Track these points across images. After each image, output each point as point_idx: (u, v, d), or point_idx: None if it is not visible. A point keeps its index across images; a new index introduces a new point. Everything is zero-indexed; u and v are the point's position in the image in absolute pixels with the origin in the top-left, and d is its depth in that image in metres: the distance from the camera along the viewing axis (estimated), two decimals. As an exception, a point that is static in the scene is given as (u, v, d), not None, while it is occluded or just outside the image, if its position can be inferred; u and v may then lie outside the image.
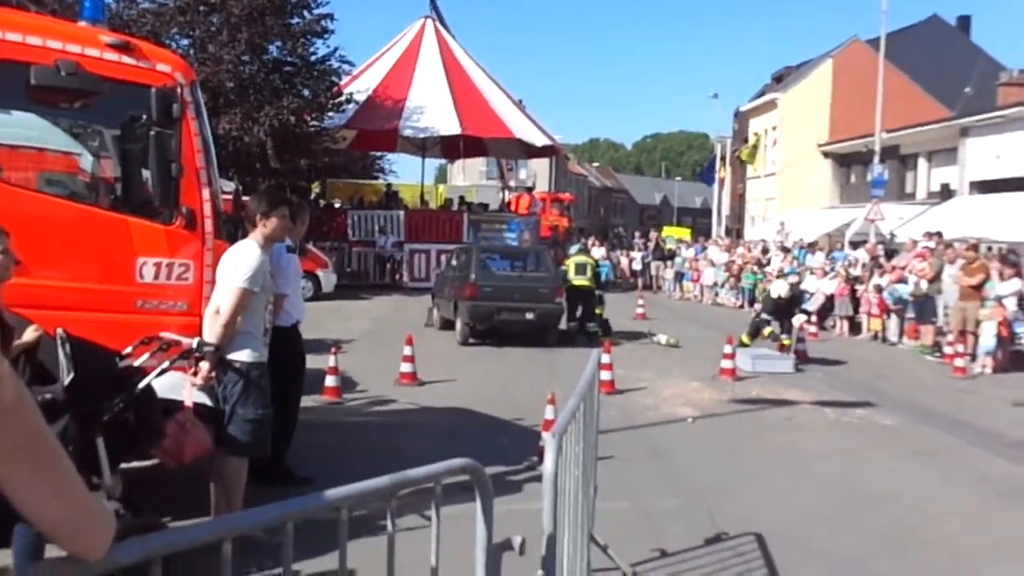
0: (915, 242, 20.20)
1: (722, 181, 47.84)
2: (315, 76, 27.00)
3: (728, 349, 13.10)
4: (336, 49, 27.63)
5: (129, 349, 4.90)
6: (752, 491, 7.37)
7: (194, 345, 4.98)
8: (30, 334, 4.47)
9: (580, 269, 17.61)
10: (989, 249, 20.14)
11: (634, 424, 9.71)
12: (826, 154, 42.75)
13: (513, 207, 34.57)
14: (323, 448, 7.81)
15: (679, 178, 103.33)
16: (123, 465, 4.67)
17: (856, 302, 19.92)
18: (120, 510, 4.24)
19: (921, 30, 47.26)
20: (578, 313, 17.40)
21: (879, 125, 28.74)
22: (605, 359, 10.58)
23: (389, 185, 37.71)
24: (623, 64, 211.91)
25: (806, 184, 42.43)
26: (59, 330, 4.36)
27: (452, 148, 33.69)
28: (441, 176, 68.96)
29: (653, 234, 36.89)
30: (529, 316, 15.83)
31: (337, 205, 31.66)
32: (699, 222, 71.95)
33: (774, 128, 47.04)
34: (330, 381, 10.16)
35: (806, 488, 7.55)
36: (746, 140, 51.28)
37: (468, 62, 32.59)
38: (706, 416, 10.39)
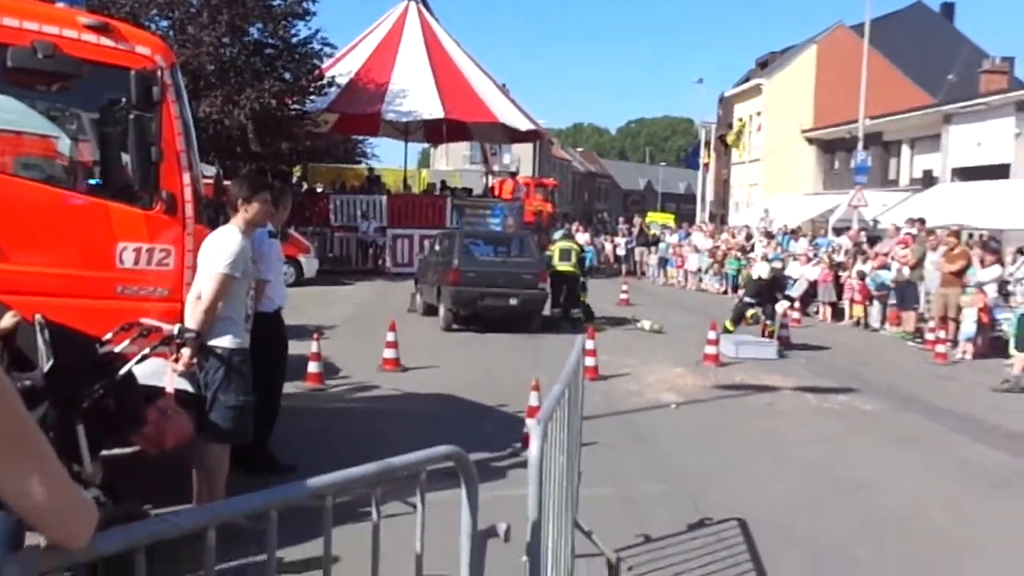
0: (898, 228, 20.27)
1: (706, 167, 47.89)
2: (296, 59, 26.81)
3: (712, 335, 13.14)
4: (318, 31, 27.50)
5: (109, 335, 4.83)
6: (735, 477, 7.40)
7: (175, 331, 4.94)
8: (8, 320, 4.41)
9: (565, 255, 17.59)
10: (971, 236, 20.26)
11: (618, 410, 9.72)
12: (810, 140, 42.88)
13: (497, 192, 34.47)
14: (305, 435, 7.78)
15: (663, 163, 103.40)
16: (103, 452, 4.62)
17: (840, 288, 20.01)
18: (100, 498, 4.20)
19: (905, 16, 47.37)
20: (562, 299, 17.39)
21: (863, 111, 28.84)
22: (589, 345, 10.59)
23: (371, 169, 37.53)
24: (607, 48, 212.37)
25: (790, 170, 42.56)
26: (38, 316, 4.30)
27: (435, 132, 33.45)
28: (424, 160, 68.83)
29: (637, 220, 36.87)
30: (513, 302, 15.80)
31: (319, 190, 31.42)
32: (683, 208, 71.99)
33: (758, 114, 47.10)
34: (312, 367, 10.11)
35: (788, 474, 7.58)
36: (730, 126, 51.35)
37: (452, 45, 32.35)
38: (690, 402, 10.42)
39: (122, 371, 4.50)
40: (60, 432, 4.13)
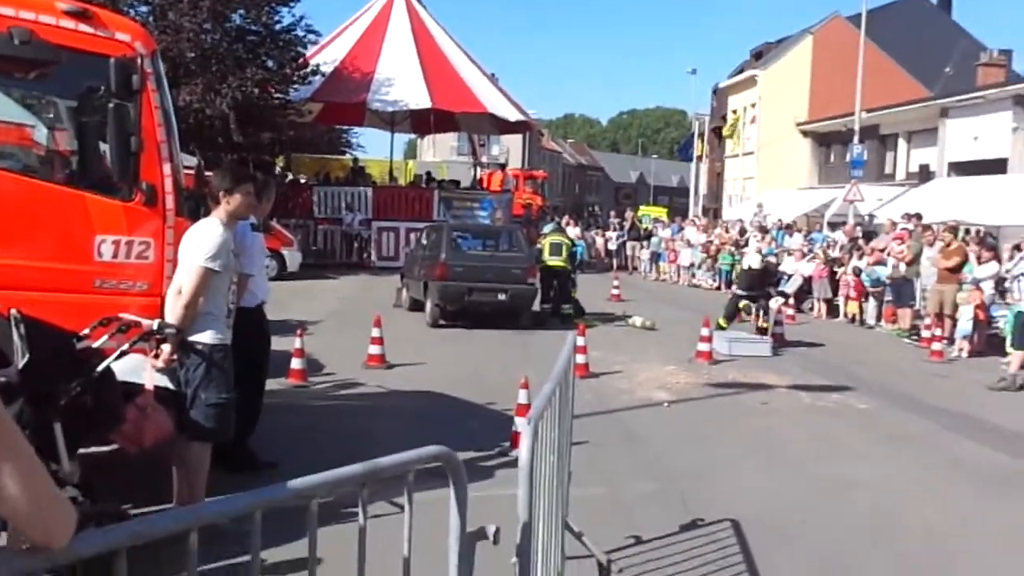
0: (894, 224, 20.22)
1: (700, 159, 47.80)
2: (280, 46, 26.35)
3: (705, 332, 13.05)
4: (302, 18, 27.02)
5: (87, 330, 4.74)
6: (727, 476, 7.32)
7: (155, 326, 4.85)
8: (-19, 314, 4.30)
9: (555, 249, 17.40)
10: (967, 232, 20.21)
11: (609, 408, 9.63)
12: (805, 133, 42.80)
13: (485, 184, 34.32)
14: (289, 432, 7.65)
15: (656, 156, 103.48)
16: (81, 450, 4.54)
17: (835, 284, 19.91)
18: (78, 497, 4.14)
19: (902, 7, 47.03)
20: (552, 294, 17.25)
21: (859, 104, 28.73)
22: (580, 342, 10.48)
23: (356, 160, 37.23)
24: (599, 37, 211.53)
25: (785, 163, 42.42)
26: (13, 310, 4.22)
27: (422, 122, 33.14)
28: (410, 151, 68.51)
29: (629, 213, 36.73)
30: (501, 297, 15.64)
31: (302, 181, 31.01)
32: (676, 201, 72.02)
33: (753, 105, 46.84)
34: (296, 364, 9.95)
35: (781, 473, 7.50)
36: (724, 118, 51.27)
37: (439, 33, 31.95)
38: (681, 400, 10.33)
39: (100, 367, 4.42)
40: (37, 430, 4.06)
